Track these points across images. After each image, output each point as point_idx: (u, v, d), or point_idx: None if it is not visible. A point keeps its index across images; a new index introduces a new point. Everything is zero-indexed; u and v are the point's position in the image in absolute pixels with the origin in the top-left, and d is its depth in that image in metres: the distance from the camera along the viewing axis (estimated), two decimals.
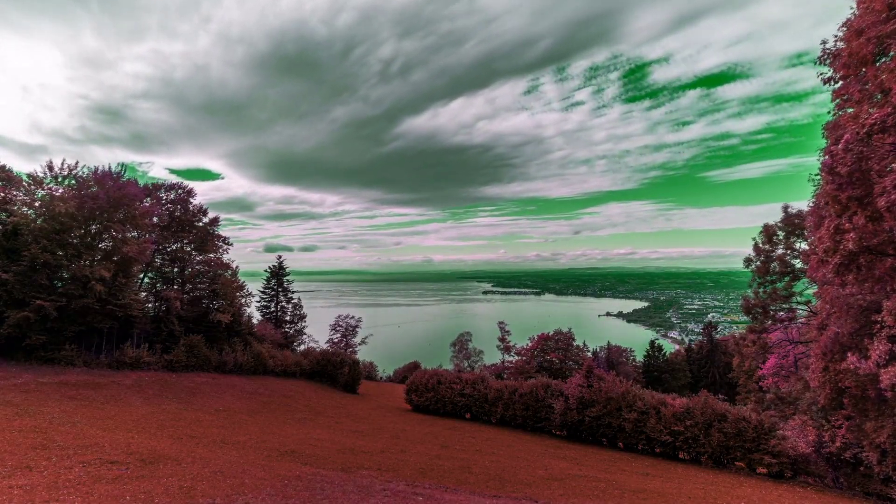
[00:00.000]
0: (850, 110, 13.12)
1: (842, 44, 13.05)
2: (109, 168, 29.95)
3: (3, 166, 27.95)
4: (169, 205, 35.89)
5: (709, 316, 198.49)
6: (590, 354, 51.88)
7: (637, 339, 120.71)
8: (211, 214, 37.27)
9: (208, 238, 36.79)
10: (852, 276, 14.03)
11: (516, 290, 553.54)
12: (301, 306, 53.09)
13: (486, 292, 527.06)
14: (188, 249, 36.64)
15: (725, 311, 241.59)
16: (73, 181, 28.47)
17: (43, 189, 27.58)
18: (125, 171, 30.50)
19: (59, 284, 26.58)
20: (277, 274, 51.94)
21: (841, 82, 13.56)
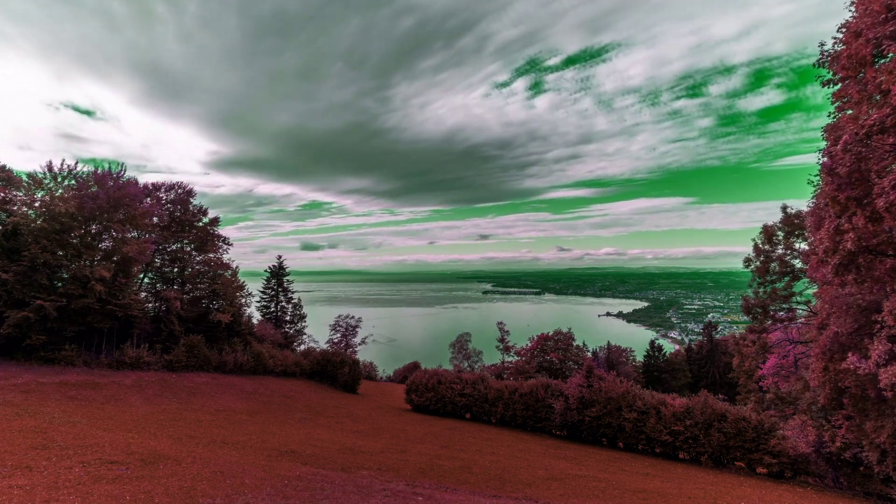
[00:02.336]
0: (849, 112, 13.14)
1: (840, 46, 13.07)
2: (109, 168, 30.08)
3: (3, 166, 28.01)
4: (169, 205, 35.95)
5: (709, 316, 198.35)
6: (590, 354, 51.87)
7: (637, 339, 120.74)
8: (211, 214, 37.44)
9: (208, 238, 36.88)
10: (851, 276, 14.04)
11: (516, 289, 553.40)
12: (301, 306, 53.14)
13: (486, 292, 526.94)
14: (188, 249, 36.71)
15: (725, 311, 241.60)
16: (73, 181, 28.51)
17: (43, 189, 27.62)
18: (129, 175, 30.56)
19: (59, 284, 26.59)
20: (277, 274, 52.00)
21: (840, 84, 13.59)
